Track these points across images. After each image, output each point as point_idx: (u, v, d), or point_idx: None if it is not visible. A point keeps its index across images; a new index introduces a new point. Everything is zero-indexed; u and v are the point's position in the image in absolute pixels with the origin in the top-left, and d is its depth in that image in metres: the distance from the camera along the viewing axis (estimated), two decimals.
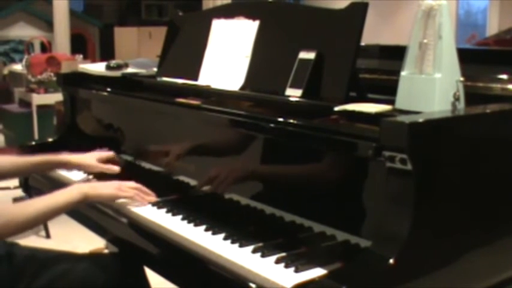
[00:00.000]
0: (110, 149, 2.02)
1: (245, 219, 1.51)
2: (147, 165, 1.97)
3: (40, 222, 1.61)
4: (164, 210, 1.62)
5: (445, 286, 1.19)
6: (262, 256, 1.29)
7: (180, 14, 2.17)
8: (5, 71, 6.93)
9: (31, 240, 1.62)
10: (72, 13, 8.12)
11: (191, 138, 1.79)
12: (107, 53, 9.02)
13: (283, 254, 1.28)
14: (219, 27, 1.91)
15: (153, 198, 1.69)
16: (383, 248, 1.12)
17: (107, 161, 1.93)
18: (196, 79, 1.91)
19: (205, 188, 1.68)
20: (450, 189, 1.19)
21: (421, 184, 1.12)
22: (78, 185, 1.66)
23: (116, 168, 1.90)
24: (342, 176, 1.36)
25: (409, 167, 1.11)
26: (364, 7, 1.51)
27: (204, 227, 1.48)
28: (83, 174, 2.01)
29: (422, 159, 1.13)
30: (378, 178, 1.21)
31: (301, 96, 1.54)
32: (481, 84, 1.56)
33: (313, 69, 1.55)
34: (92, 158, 1.91)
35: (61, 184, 1.89)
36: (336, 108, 1.39)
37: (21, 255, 1.67)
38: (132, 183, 1.71)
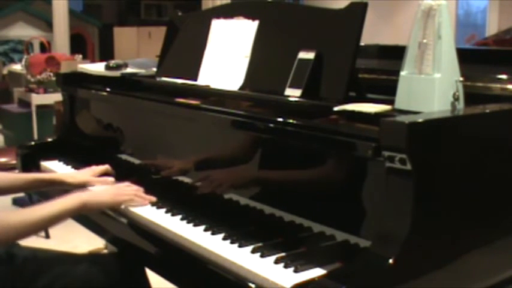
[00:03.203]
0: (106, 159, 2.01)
1: (244, 219, 1.51)
2: (146, 165, 1.96)
3: (39, 229, 1.60)
4: (163, 210, 1.62)
5: (444, 286, 1.19)
6: (262, 256, 1.29)
7: (180, 14, 2.17)
8: (5, 71, 6.93)
9: (31, 241, 1.61)
10: (72, 13, 8.11)
11: (190, 138, 1.79)
12: (106, 53, 9.02)
13: (283, 254, 1.28)
14: (218, 27, 1.91)
15: (152, 198, 1.69)
16: (382, 248, 1.12)
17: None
18: (195, 79, 1.91)
19: (205, 188, 1.68)
20: (449, 189, 1.19)
21: (421, 184, 1.12)
22: (77, 194, 1.65)
23: (110, 180, 1.91)
24: (342, 176, 1.36)
25: (408, 167, 1.11)
26: (363, 7, 1.51)
27: (203, 227, 1.48)
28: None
29: (422, 159, 1.13)
30: (377, 178, 1.20)
31: (301, 96, 1.54)
32: (480, 84, 1.56)
33: (312, 69, 1.55)
34: (85, 174, 1.90)
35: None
36: (336, 108, 1.39)
37: (21, 256, 1.67)
38: (129, 186, 1.70)
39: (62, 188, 1.88)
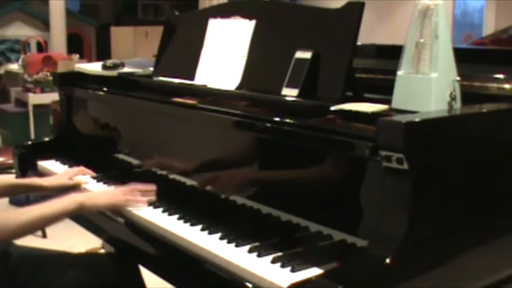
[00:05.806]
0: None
1: (241, 219, 1.51)
2: (143, 164, 1.96)
3: (34, 229, 1.60)
4: (160, 209, 1.62)
5: (441, 286, 1.19)
6: (259, 256, 1.29)
7: (177, 13, 2.17)
8: (1, 71, 6.91)
9: (27, 240, 1.61)
10: (69, 13, 8.10)
11: (187, 138, 1.79)
12: (103, 52, 9.00)
13: (280, 254, 1.28)
14: (215, 26, 1.91)
15: (151, 198, 1.68)
16: (379, 248, 1.12)
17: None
18: (192, 79, 1.91)
19: (202, 188, 1.68)
20: (446, 189, 1.20)
21: (418, 183, 1.12)
22: (74, 195, 1.65)
23: (86, 179, 1.92)
24: (339, 176, 1.36)
25: (405, 166, 1.11)
26: (360, 7, 1.51)
27: (200, 226, 1.48)
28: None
29: (419, 158, 1.13)
30: (375, 178, 1.21)
31: (298, 96, 1.54)
32: (477, 84, 1.56)
33: (309, 69, 1.55)
34: (63, 177, 1.92)
35: None
36: (333, 108, 1.39)
37: (16, 255, 1.67)
38: (127, 188, 1.70)
39: (40, 192, 1.89)
